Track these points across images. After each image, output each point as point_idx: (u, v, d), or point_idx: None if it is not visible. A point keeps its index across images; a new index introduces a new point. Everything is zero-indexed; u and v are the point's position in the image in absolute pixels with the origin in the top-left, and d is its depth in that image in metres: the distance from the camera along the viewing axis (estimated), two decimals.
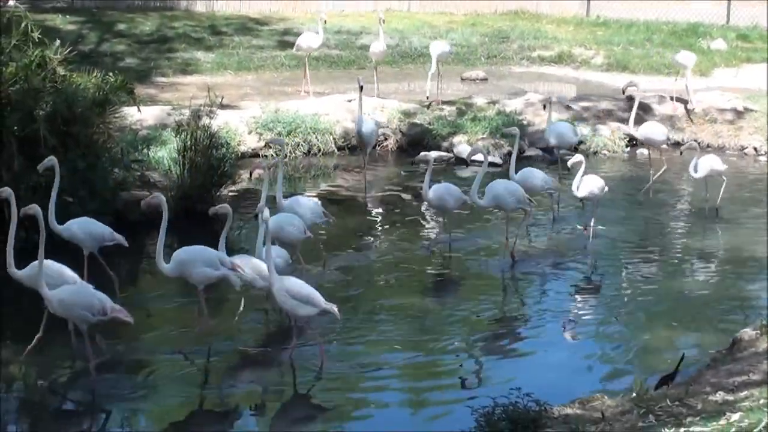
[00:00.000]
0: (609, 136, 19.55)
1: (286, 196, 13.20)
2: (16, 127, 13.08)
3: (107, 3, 28.78)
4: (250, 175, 15.17)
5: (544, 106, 16.70)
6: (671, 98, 20.48)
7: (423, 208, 15.52)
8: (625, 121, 19.73)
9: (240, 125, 17.97)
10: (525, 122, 19.28)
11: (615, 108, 20.37)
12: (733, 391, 8.47)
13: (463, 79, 23.46)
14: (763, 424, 7.40)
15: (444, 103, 20.06)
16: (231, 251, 12.38)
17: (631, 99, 20.41)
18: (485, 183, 13.76)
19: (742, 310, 12.30)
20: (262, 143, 17.99)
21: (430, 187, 13.57)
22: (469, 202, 13.85)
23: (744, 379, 8.82)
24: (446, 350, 11.26)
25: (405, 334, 11.61)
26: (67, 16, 26.05)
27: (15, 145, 12.93)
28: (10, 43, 13.56)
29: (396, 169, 18.32)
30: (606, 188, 14.29)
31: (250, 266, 11.00)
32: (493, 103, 20.19)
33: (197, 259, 10.80)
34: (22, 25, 13.63)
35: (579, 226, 14.96)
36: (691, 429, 7.58)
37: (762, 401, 7.92)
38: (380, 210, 16.05)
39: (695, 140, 19.32)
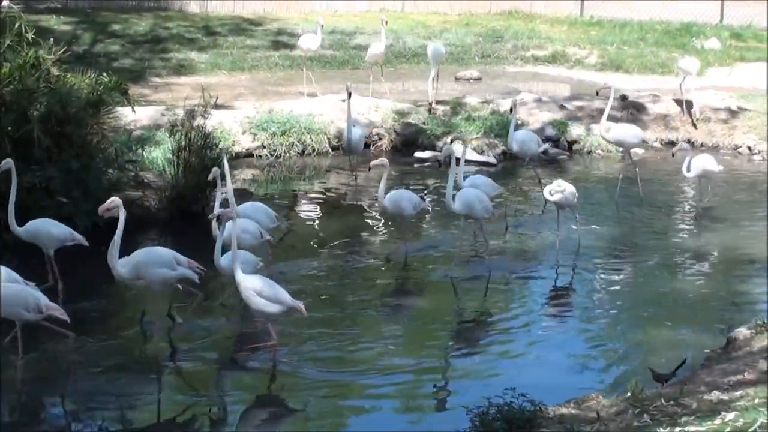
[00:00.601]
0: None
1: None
2: (10, 128, 13.06)
3: (101, 3, 28.75)
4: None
5: (511, 110, 16.43)
6: (677, 101, 20.34)
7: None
8: (618, 120, 19.73)
9: (234, 125, 17.95)
10: (519, 121, 19.22)
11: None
12: (728, 390, 8.47)
13: (457, 79, 23.45)
14: (759, 423, 7.40)
15: (438, 102, 20.04)
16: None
17: (624, 98, 20.47)
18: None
19: (736, 309, 12.29)
20: (257, 143, 17.97)
21: (385, 193, 13.39)
22: (425, 207, 13.87)
23: (739, 378, 8.82)
24: (441, 351, 11.26)
25: (397, 334, 11.60)
26: (61, 17, 26.02)
27: (9, 145, 12.90)
28: (4, 43, 13.54)
29: (389, 169, 18.23)
30: (576, 195, 14.12)
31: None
32: (487, 102, 20.18)
33: (153, 261, 10.76)
34: (16, 25, 13.62)
35: (573, 227, 14.94)
36: (686, 428, 7.58)
37: (757, 400, 7.92)
38: (363, 213, 15.90)
39: (688, 140, 19.33)
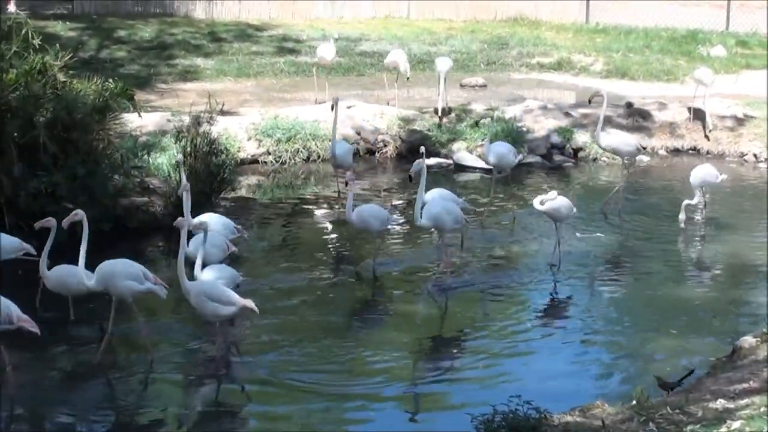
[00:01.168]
0: None
1: None
2: (16, 134, 13.10)
3: (107, 10, 28.82)
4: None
5: (476, 123, 16.21)
6: (690, 110, 20.29)
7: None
8: (624, 128, 19.73)
9: (239, 131, 17.96)
10: (524, 129, 19.25)
11: (614, 115, 20.30)
12: (733, 398, 8.47)
13: (462, 86, 23.43)
14: (764, 431, 7.40)
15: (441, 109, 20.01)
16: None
17: (630, 106, 20.47)
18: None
19: (741, 318, 12.28)
20: (262, 150, 18.00)
21: (353, 208, 13.11)
22: (391, 222, 13.73)
23: (744, 386, 8.82)
24: (445, 357, 11.26)
25: (402, 340, 11.61)
26: (68, 23, 26.12)
27: (15, 151, 12.95)
28: (11, 49, 13.56)
29: (393, 176, 18.27)
30: (573, 209, 14.07)
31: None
32: (493, 109, 20.16)
33: (121, 273, 10.69)
34: (23, 31, 13.64)
35: (578, 234, 14.94)
36: None
37: (762, 409, 7.92)
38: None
39: (694, 147, 19.36)
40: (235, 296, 10.34)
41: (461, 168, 18.35)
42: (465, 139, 18.84)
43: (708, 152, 19.77)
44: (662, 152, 19.93)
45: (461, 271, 13.68)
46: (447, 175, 17.93)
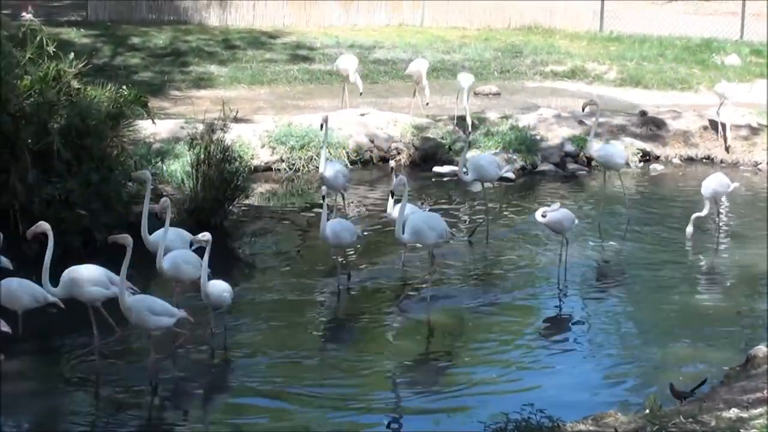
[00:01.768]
0: None
1: None
2: (30, 140, 13.14)
3: (121, 17, 28.88)
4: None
5: (467, 133, 16.07)
6: (711, 122, 20.22)
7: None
8: (638, 136, 19.73)
9: (253, 139, 17.98)
10: (538, 137, 19.26)
11: (628, 123, 20.33)
12: (747, 408, 8.46)
13: (476, 94, 23.37)
14: None
15: (457, 117, 20.00)
16: (241, 267, 12.50)
17: (644, 114, 20.46)
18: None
19: (755, 327, 12.25)
20: (275, 157, 18.01)
21: (327, 223, 12.78)
22: (360, 236, 13.48)
23: (758, 396, 8.81)
24: (459, 365, 11.27)
25: (413, 347, 11.64)
26: (82, 30, 26.16)
27: (29, 157, 12.98)
28: (25, 56, 13.61)
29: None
30: (575, 221, 14.01)
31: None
32: (506, 117, 20.15)
33: (85, 279, 10.69)
34: (38, 38, 13.69)
35: (591, 243, 14.93)
36: None
37: None
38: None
39: (708, 156, 19.36)
40: (173, 308, 10.39)
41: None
42: (479, 146, 18.81)
43: (722, 161, 19.75)
44: (676, 161, 19.91)
45: (470, 281, 13.67)
46: (459, 183, 17.80)
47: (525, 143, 18.86)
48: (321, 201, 12.74)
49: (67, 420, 9.98)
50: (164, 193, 15.02)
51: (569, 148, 19.23)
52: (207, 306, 11.24)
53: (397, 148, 19.06)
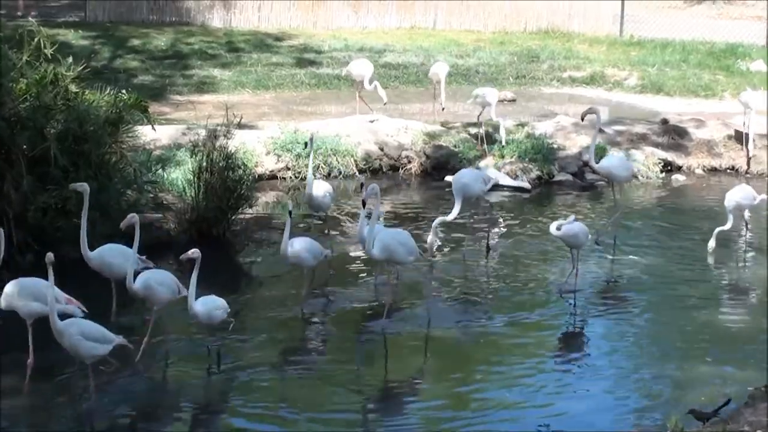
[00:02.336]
0: (643, 161, 19.38)
1: None
2: (25, 146, 13.14)
3: (121, 17, 28.98)
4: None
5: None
6: (735, 132, 20.20)
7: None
8: (659, 145, 19.71)
9: (257, 146, 18.00)
10: (555, 146, 19.26)
11: (649, 132, 20.33)
12: None
13: None
14: None
15: (471, 125, 20.02)
16: (243, 280, 12.49)
17: (666, 122, 20.46)
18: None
19: None
20: (281, 165, 18.03)
21: (288, 241, 12.63)
22: (328, 256, 13.22)
23: None
24: (471, 384, 11.26)
25: (427, 364, 11.64)
26: (80, 31, 26.25)
27: (24, 164, 12.98)
28: (22, 58, 13.63)
29: (417, 194, 18.25)
30: (588, 235, 13.91)
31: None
32: (522, 125, 20.16)
33: (24, 293, 10.51)
34: (35, 40, 13.70)
35: (609, 257, 14.93)
36: None
37: None
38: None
39: (733, 167, 19.35)
40: (110, 334, 10.11)
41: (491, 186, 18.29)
42: (493, 155, 18.83)
43: (747, 172, 19.73)
44: (699, 171, 19.91)
45: (481, 297, 13.66)
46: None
47: (541, 152, 18.86)
48: (288, 216, 12.45)
49: None
50: (165, 202, 15.10)
51: (588, 157, 19.15)
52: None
53: (407, 157, 19.07)
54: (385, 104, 20.05)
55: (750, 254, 15.63)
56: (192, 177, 14.96)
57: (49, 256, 9.99)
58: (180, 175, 15.65)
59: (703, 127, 20.62)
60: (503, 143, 18.84)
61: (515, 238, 15.84)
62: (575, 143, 19.57)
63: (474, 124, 19.71)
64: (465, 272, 14.44)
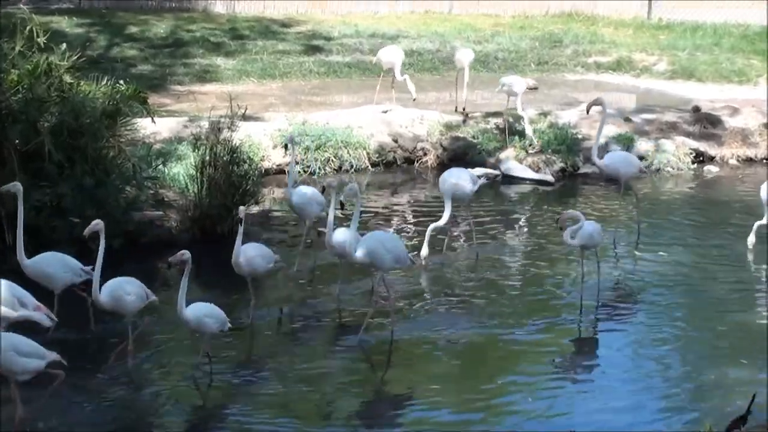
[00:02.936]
0: (673, 151, 19.35)
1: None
2: (18, 140, 13.15)
3: (118, 3, 29.02)
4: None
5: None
6: None
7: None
8: (690, 135, 19.68)
9: (264, 139, 18.01)
10: (579, 135, 19.21)
11: (680, 121, 20.29)
12: None
13: None
14: None
15: (490, 115, 19.99)
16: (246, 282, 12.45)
17: (697, 110, 20.42)
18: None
19: None
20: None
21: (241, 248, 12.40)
22: (278, 262, 12.95)
23: None
24: (489, 390, 11.25)
25: (446, 371, 11.67)
26: (74, 18, 26.26)
27: (16, 159, 12.99)
28: (14, 48, 13.64)
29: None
30: (602, 234, 13.84)
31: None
32: (545, 114, 20.14)
33: None
34: (27, 28, 13.71)
35: (637, 253, 14.93)
36: None
37: None
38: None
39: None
40: (43, 349, 9.88)
41: (510, 179, 18.30)
42: (514, 146, 18.82)
43: None
44: (733, 162, 19.89)
45: (500, 296, 13.66)
46: (494, 187, 17.79)
47: (565, 142, 18.84)
48: (239, 223, 12.21)
49: None
50: (166, 199, 15.11)
51: (614, 147, 19.08)
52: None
53: (423, 149, 19.07)
54: (414, 100, 19.93)
55: None
56: (194, 172, 14.96)
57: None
58: (182, 170, 15.66)
59: (737, 114, 20.59)
60: (532, 138, 18.79)
61: (535, 236, 15.84)
62: (601, 133, 19.49)
63: (494, 114, 19.70)
64: (480, 272, 14.45)
